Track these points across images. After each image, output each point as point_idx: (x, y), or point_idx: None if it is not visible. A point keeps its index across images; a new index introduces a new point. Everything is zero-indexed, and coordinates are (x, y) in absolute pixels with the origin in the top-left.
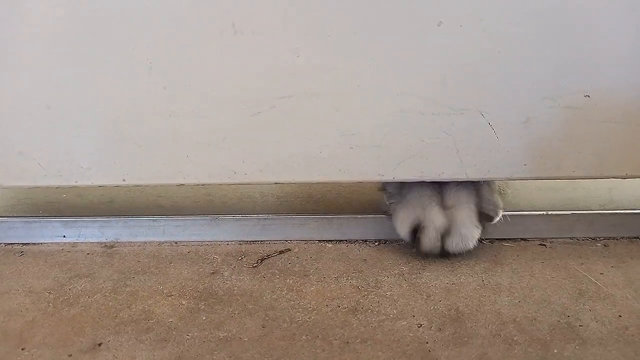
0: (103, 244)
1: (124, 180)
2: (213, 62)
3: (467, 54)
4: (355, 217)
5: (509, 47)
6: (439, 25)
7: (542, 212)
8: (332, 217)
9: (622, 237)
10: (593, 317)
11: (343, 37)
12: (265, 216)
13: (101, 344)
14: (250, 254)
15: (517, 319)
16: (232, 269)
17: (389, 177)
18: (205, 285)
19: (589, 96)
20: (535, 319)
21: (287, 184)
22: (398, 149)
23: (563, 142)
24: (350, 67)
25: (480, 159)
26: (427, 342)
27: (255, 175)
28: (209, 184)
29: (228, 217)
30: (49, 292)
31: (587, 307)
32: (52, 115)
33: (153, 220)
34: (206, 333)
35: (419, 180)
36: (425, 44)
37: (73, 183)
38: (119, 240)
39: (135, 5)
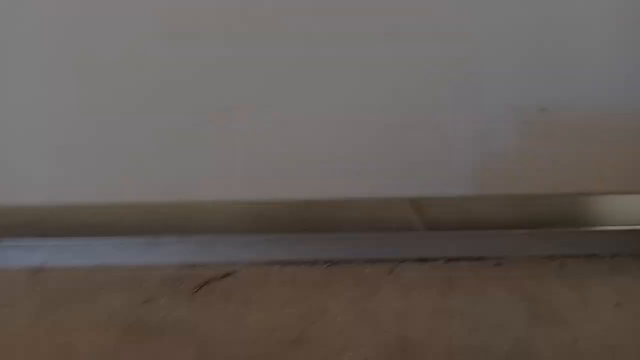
0: (29, 269)
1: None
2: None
3: (421, 66)
4: (304, 236)
5: (466, 58)
6: (391, 36)
7: (498, 230)
8: (279, 237)
9: (579, 255)
10: (549, 343)
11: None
12: (206, 237)
13: None
14: (189, 278)
15: (471, 348)
16: (168, 297)
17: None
18: (137, 315)
19: (546, 109)
20: (489, 347)
21: (230, 203)
22: (349, 163)
23: (519, 156)
24: (297, 76)
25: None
26: None
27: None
28: (142, 204)
29: (167, 238)
30: None
31: (542, 331)
32: None
33: (85, 241)
34: None
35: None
36: (377, 54)
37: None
38: (47, 264)
39: None
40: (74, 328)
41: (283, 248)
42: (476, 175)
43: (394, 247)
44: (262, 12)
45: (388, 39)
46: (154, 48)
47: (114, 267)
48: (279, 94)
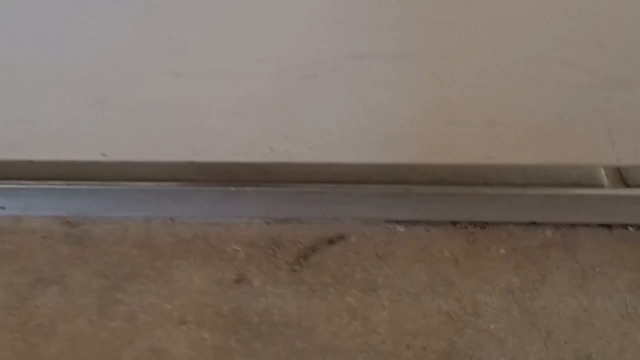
0: (63, 221)
1: (103, 155)
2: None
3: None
4: (439, 190)
5: None
6: None
7: None
8: (406, 192)
9: None
10: None
11: None
12: (306, 185)
13: None
14: (285, 243)
15: None
16: (264, 274)
17: (502, 160)
18: (231, 304)
19: None
20: None
21: (347, 165)
22: (521, 127)
23: None
24: (452, 19)
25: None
26: None
27: (302, 155)
28: (232, 163)
29: (250, 184)
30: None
31: None
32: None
33: (136, 187)
34: None
35: (548, 164)
36: None
37: (28, 157)
38: (86, 216)
39: None
40: (155, 322)
41: (411, 204)
42: None
43: None
44: None
45: None
46: None
47: (179, 220)
48: (427, 40)
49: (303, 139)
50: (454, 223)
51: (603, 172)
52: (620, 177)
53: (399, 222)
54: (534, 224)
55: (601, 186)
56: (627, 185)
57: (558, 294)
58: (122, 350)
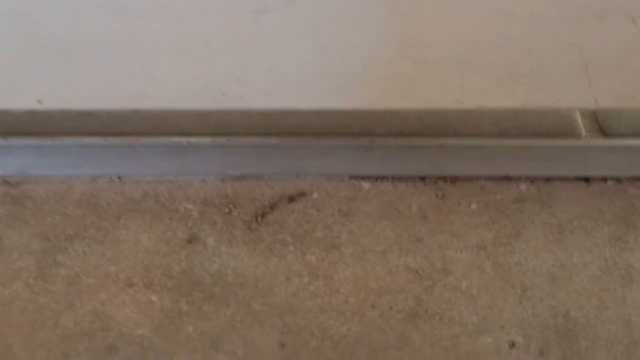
0: (1, 180)
1: (39, 102)
2: None
3: None
4: (407, 142)
5: None
6: None
7: None
8: (371, 144)
9: None
10: None
11: None
12: (263, 139)
13: None
14: (242, 200)
15: None
16: (219, 233)
17: (472, 104)
18: (182, 265)
19: None
20: None
21: (306, 112)
22: (491, 67)
23: None
24: None
25: (622, 83)
26: None
27: (256, 100)
28: (180, 110)
29: (204, 139)
30: None
31: None
32: None
33: (81, 142)
34: (199, 357)
35: (521, 108)
36: None
37: None
38: (26, 174)
39: None
40: (99, 284)
41: (377, 158)
42: None
43: None
44: None
45: None
46: None
47: (128, 178)
48: None
49: (257, 82)
50: (423, 178)
51: (580, 121)
52: (598, 126)
53: (363, 178)
54: (508, 177)
55: (578, 136)
56: (605, 135)
57: (533, 249)
58: (61, 314)
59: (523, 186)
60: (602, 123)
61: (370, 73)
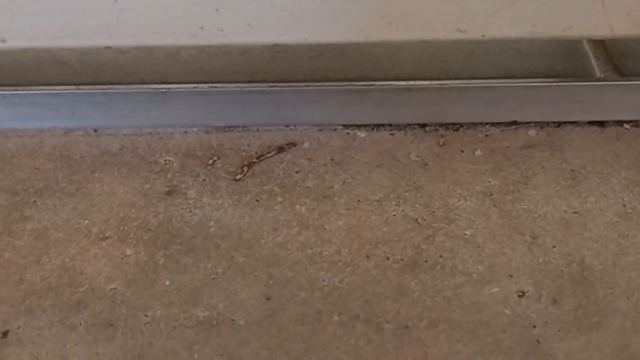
0: None
1: (2, 41)
2: None
3: None
4: (405, 87)
5: None
6: None
7: None
8: (367, 87)
9: None
10: None
11: None
12: (249, 85)
13: (7, 332)
14: (227, 151)
15: None
16: (201, 184)
17: (475, 34)
18: (160, 217)
19: None
20: None
21: (289, 45)
22: None
23: None
24: None
25: (638, 6)
26: (534, 326)
27: (238, 33)
28: (154, 46)
29: (185, 86)
30: None
31: None
32: None
33: (52, 91)
34: (175, 311)
35: (529, 37)
36: None
37: None
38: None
39: None
40: (69, 238)
41: (372, 105)
42: None
43: None
44: None
45: None
46: None
47: (104, 131)
48: None
49: (237, 13)
50: (423, 125)
51: (593, 61)
52: (613, 65)
53: (359, 127)
54: (515, 123)
55: (592, 76)
56: (621, 75)
57: (544, 196)
58: (26, 269)
59: (532, 132)
60: (617, 62)
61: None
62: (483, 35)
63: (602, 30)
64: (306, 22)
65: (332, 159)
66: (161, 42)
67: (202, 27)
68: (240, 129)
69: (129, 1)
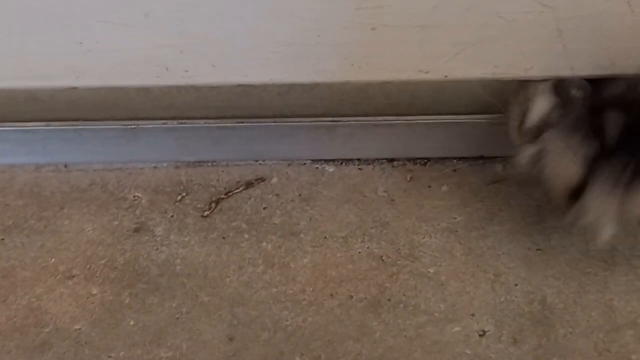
0: None
1: None
2: None
3: None
4: (373, 123)
5: None
6: None
7: None
8: (335, 123)
9: None
10: None
11: None
12: (219, 121)
13: None
14: (196, 187)
15: None
16: (169, 221)
17: (438, 75)
18: (127, 256)
19: None
20: None
21: (260, 86)
22: (457, 31)
23: None
24: None
25: (599, 47)
26: None
27: (203, 74)
28: (123, 87)
29: (154, 123)
30: None
31: None
32: None
33: (24, 128)
34: (139, 352)
35: (491, 77)
36: None
37: None
38: None
39: None
40: (36, 277)
41: (341, 140)
42: None
43: None
44: None
45: None
46: None
47: (74, 166)
48: None
49: (202, 55)
50: (391, 160)
51: None
52: None
53: (327, 162)
54: (482, 158)
55: None
56: None
57: (508, 233)
58: None
59: (499, 167)
60: None
61: (324, 41)
62: (446, 76)
63: (563, 71)
64: (271, 63)
65: (300, 195)
66: (127, 83)
67: (167, 69)
68: (210, 164)
69: (94, 44)
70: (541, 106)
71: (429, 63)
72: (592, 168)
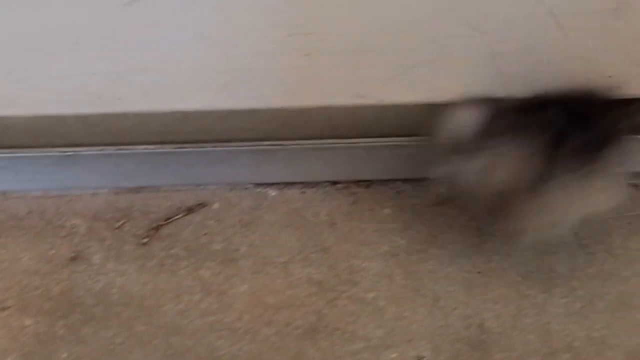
0: None
1: None
2: None
3: None
4: (314, 147)
5: None
6: None
7: None
8: (276, 147)
9: None
10: None
11: None
12: (158, 146)
13: None
14: (135, 213)
15: (577, 342)
16: (107, 249)
17: (374, 99)
18: (62, 285)
19: None
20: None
21: (196, 113)
22: (391, 56)
23: None
24: None
25: (533, 69)
26: None
27: (135, 102)
28: (66, 118)
29: (93, 149)
30: None
31: None
32: None
33: None
34: None
35: (427, 101)
36: None
37: None
38: None
39: None
40: None
41: (282, 164)
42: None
43: None
44: None
45: None
46: None
47: (11, 194)
48: None
49: (133, 82)
50: (334, 183)
51: None
52: None
53: (270, 185)
54: (426, 179)
55: None
56: None
57: (449, 256)
58: None
59: (442, 188)
60: None
61: (258, 67)
62: (381, 101)
63: (498, 93)
64: (203, 90)
65: (241, 220)
66: (59, 112)
67: (100, 97)
68: (150, 190)
69: (24, 72)
70: (470, 120)
71: (364, 87)
72: (539, 167)
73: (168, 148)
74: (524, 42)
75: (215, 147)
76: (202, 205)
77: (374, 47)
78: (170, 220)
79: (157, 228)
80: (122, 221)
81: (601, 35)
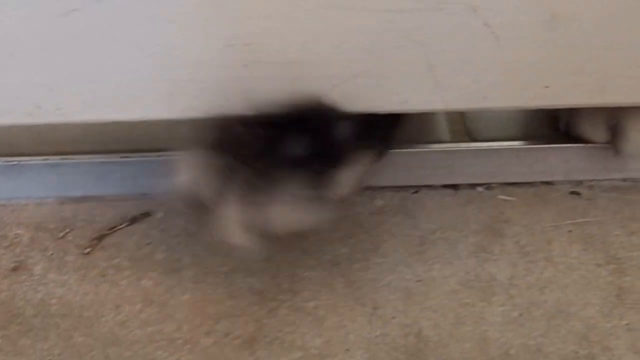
0: None
1: None
2: None
3: None
4: None
5: None
6: None
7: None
8: None
9: None
10: None
11: None
12: (102, 156)
13: None
14: (79, 223)
15: (513, 350)
16: (48, 259)
17: None
18: (2, 295)
19: None
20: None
21: (135, 122)
22: (327, 67)
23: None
24: None
25: (470, 81)
26: None
27: (75, 112)
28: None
29: (36, 159)
30: None
31: None
32: None
33: None
34: None
35: (371, 111)
36: None
37: None
38: None
39: None
40: None
41: None
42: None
43: None
44: None
45: None
46: None
47: None
48: None
49: (73, 92)
50: None
51: (445, 126)
52: (465, 130)
53: None
54: (369, 188)
55: (443, 141)
56: (472, 139)
57: (390, 264)
58: None
59: (387, 196)
60: (469, 126)
61: (196, 78)
62: None
63: (436, 104)
64: (143, 100)
65: (185, 229)
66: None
67: (39, 107)
68: (95, 199)
69: None
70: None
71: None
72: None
73: (113, 158)
74: (460, 53)
75: (159, 157)
76: (146, 214)
77: (312, 59)
78: (114, 229)
79: (101, 238)
80: (66, 231)
81: (537, 46)
